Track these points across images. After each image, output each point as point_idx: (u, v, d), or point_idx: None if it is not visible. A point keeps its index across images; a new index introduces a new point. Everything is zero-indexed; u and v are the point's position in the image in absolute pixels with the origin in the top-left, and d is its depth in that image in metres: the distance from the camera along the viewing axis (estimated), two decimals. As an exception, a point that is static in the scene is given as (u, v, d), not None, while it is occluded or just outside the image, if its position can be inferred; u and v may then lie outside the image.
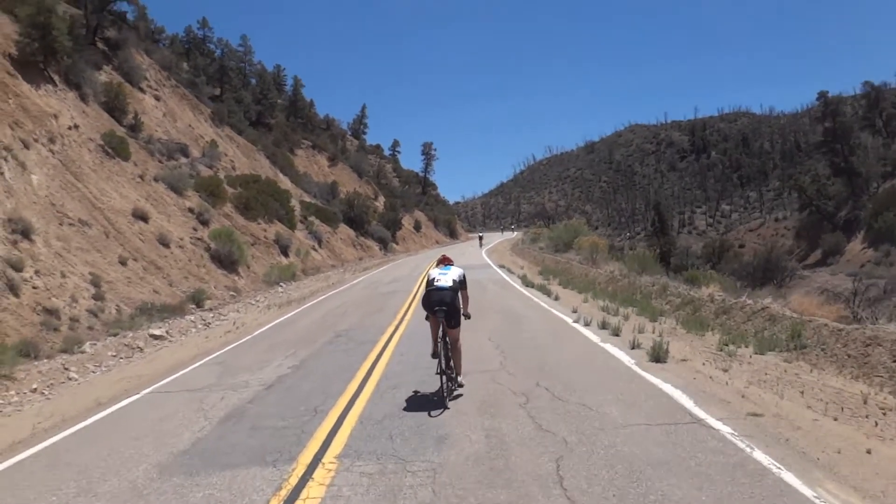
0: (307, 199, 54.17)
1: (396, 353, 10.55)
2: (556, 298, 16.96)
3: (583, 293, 18.21)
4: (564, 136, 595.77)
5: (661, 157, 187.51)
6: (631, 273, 20.18)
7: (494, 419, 6.43)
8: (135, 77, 38.71)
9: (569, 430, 5.93)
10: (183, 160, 35.96)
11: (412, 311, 16.09)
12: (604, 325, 11.69)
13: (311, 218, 46.07)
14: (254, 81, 76.19)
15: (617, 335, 10.93)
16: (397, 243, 64.13)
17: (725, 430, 5.71)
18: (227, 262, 25.81)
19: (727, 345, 9.87)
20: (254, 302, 21.94)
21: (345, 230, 52.57)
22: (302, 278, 31.94)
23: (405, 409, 7.07)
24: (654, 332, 11.15)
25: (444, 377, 7.26)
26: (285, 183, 53.91)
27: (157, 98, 41.95)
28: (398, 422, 6.56)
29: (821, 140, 69.32)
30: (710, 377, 7.89)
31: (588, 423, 6.08)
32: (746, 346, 9.91)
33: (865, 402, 6.70)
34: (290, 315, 17.45)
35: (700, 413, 6.25)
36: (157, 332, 14.82)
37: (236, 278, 25.79)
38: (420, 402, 7.30)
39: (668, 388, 7.32)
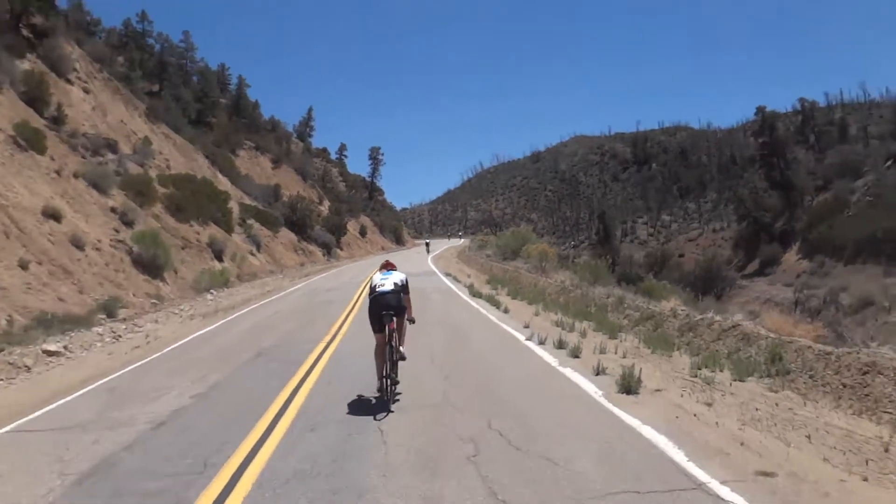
0: (248, 201, 51.78)
1: (323, 378, 8.92)
2: (506, 311, 15.54)
3: (533, 304, 16.87)
4: (511, 144, 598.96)
5: (605, 167, 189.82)
6: (583, 283, 18.99)
7: (435, 480, 4.88)
8: (62, 67, 35.94)
9: (534, 500, 4.44)
10: (110, 157, 33.41)
11: (349, 323, 14.49)
12: (560, 345, 10.30)
13: (251, 221, 43.80)
14: (196, 79, 73.13)
15: (577, 356, 9.53)
16: (342, 249, 62.12)
17: (738, 501, 4.31)
18: (150, 266, 23.60)
19: (700, 368, 8.59)
20: (177, 311, 19.87)
21: (286, 234, 50.37)
22: (236, 285, 29.86)
23: (324, 459, 5.47)
24: (616, 352, 9.84)
25: (387, 381, 7.30)
26: (224, 184, 51.43)
27: (87, 91, 39.12)
28: (309, 484, 4.95)
29: (759, 153, 70.33)
30: (695, 415, 6.52)
31: (557, 490, 4.60)
32: (722, 371, 8.63)
33: (887, 451, 5.43)
34: (213, 327, 15.56)
35: (697, 472, 4.83)
36: (52, 347, 12.74)
37: (161, 285, 23.61)
38: (341, 449, 5.72)
39: (649, 431, 5.91)
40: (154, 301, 21.41)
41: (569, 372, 8.64)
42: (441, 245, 79.20)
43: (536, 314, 14.91)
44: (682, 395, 7.38)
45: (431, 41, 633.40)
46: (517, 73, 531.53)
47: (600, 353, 9.58)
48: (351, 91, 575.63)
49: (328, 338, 12.45)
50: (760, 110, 67.20)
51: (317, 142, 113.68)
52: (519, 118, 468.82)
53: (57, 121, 30.21)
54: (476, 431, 6.08)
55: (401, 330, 7.65)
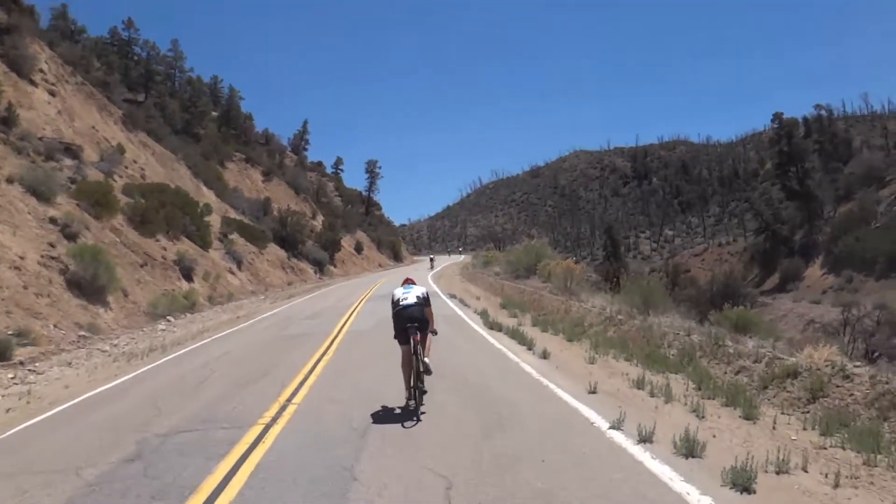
0: (234, 215, 47.08)
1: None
2: (545, 356, 10.65)
3: (576, 342, 12.12)
4: (510, 159, 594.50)
5: (605, 182, 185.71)
6: (632, 310, 14.21)
7: None
8: (24, 67, 31.86)
9: None
10: (68, 162, 28.85)
11: (319, 370, 9.77)
12: (690, 448, 5.40)
13: (233, 236, 39.07)
14: (183, 89, 68.77)
15: (747, 489, 4.65)
16: (335, 266, 57.34)
17: None
18: (89, 288, 18.81)
19: None
20: (107, 348, 15.08)
21: (274, 251, 45.62)
22: (205, 308, 25.10)
23: None
24: (806, 465, 5.05)
25: (415, 391, 7.26)
26: (208, 197, 46.83)
27: (53, 93, 34.67)
28: None
29: (775, 162, 65.73)
30: None
31: None
32: None
33: None
34: (123, 380, 10.72)
35: None
36: None
37: (101, 311, 18.79)
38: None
39: None
40: (84, 333, 16.59)
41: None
42: (441, 261, 74.31)
43: (591, 361, 10.08)
44: None
45: (430, 56, 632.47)
46: (515, 88, 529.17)
47: (775, 469, 4.81)
48: (348, 105, 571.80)
49: (280, 402, 7.72)
50: (777, 117, 62.72)
51: (312, 156, 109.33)
52: (517, 133, 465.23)
53: (6, 121, 26.02)
54: None
55: (425, 342, 7.50)
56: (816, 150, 64.87)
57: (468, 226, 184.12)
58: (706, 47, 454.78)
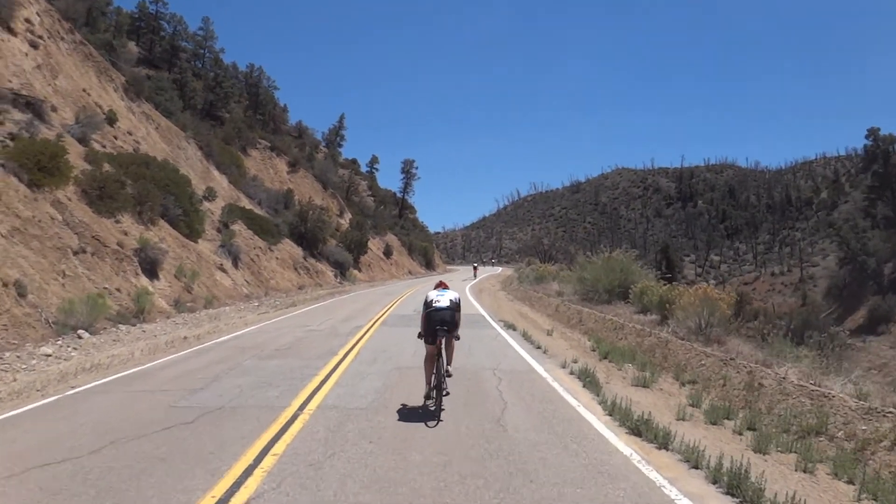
0: (247, 204, 40.02)
1: None
2: None
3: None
4: (550, 174, 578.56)
5: (648, 202, 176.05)
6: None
7: None
8: (2, 10, 25.89)
9: None
10: (17, 116, 22.06)
11: None
12: None
13: (236, 226, 31.82)
14: (212, 69, 62.34)
15: None
16: (360, 270, 49.87)
17: None
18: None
19: None
20: None
21: (288, 248, 38.33)
22: (162, 317, 17.70)
23: None
24: None
25: (437, 392, 7.11)
26: (219, 182, 39.89)
27: (35, 46, 28.19)
28: None
29: (867, 185, 56.53)
30: None
31: None
32: None
33: None
34: None
35: None
36: None
37: (-51, 319, 11.48)
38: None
39: None
40: None
41: None
42: (472, 272, 65.99)
43: None
44: None
45: (475, 63, 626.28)
46: (559, 101, 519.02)
47: None
48: (388, 106, 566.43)
49: None
50: (873, 133, 53.52)
51: (347, 153, 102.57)
52: (558, 147, 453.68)
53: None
54: None
55: (450, 348, 7.53)
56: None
57: (504, 238, 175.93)
58: (757, 70, 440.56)
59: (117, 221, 20.99)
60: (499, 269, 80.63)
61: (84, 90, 30.53)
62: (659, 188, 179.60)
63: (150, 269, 20.32)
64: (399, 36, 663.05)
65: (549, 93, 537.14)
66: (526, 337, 13.67)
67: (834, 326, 51.97)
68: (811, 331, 45.63)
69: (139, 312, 17.00)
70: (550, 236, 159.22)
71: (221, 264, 26.71)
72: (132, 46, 56.54)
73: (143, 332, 15.15)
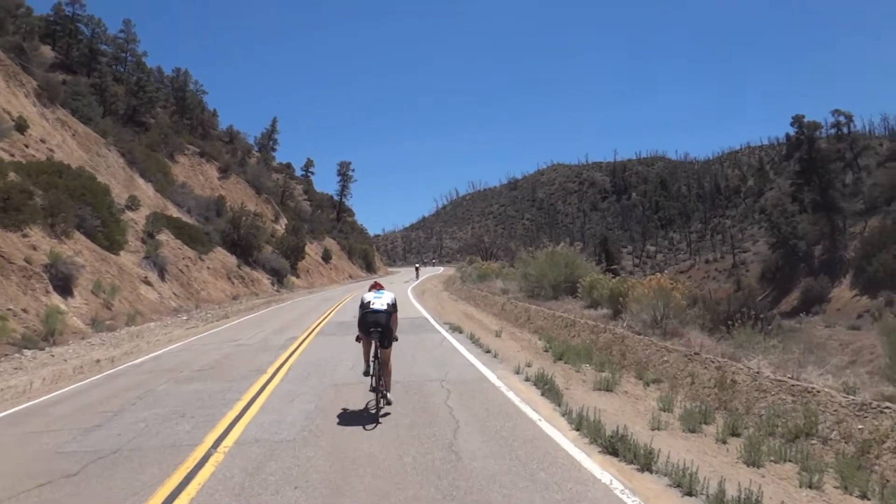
0: (176, 213, 37.92)
1: None
2: None
3: None
4: (487, 171, 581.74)
5: (584, 196, 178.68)
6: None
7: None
8: None
9: None
10: None
11: None
12: None
13: (162, 236, 29.91)
14: (135, 74, 59.28)
15: None
16: (298, 276, 48.20)
17: None
18: None
19: None
20: None
21: (220, 257, 36.47)
22: (69, 341, 16.01)
23: None
24: None
25: (377, 394, 7.20)
26: (144, 190, 37.67)
27: (-73, 48, 25.61)
28: None
29: (795, 170, 58.18)
30: None
31: None
32: None
33: None
34: None
35: None
36: None
37: None
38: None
39: None
40: None
41: None
42: (414, 273, 64.83)
43: None
44: None
45: (407, 62, 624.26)
46: (493, 99, 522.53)
47: None
48: (322, 109, 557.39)
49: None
50: (798, 119, 55.01)
51: (282, 157, 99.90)
52: (495, 146, 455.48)
53: None
54: None
55: (386, 371, 7.41)
56: (837, 159, 57.31)
57: (444, 237, 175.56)
58: (684, 64, 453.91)
59: (24, 235, 19.13)
60: (441, 269, 79.91)
61: (-10, 95, 28.34)
62: (594, 182, 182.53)
63: (63, 285, 18.55)
64: (329, 37, 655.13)
65: (483, 90, 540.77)
66: (473, 340, 12.78)
67: (770, 309, 53.38)
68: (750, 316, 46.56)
69: (49, 334, 15.36)
70: (490, 234, 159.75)
71: (146, 277, 24.91)
72: (47, 50, 53.16)
73: (52, 356, 13.59)
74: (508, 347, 12.06)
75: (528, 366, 9.69)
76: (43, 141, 29.63)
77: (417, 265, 76.10)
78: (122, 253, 25.18)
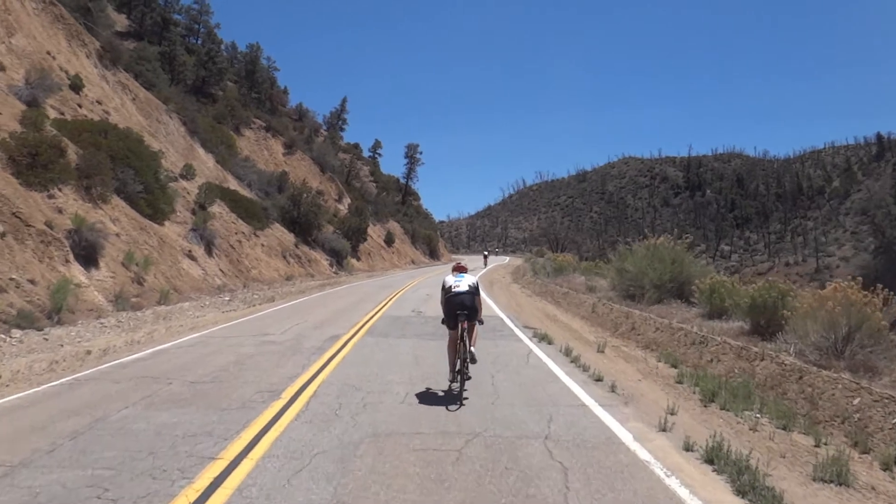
0: (235, 186, 35.79)
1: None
2: None
3: None
4: (556, 162, 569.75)
5: (655, 191, 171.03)
6: None
7: None
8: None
9: None
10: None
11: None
12: None
13: (215, 209, 27.56)
14: (206, 45, 57.86)
15: None
16: (359, 259, 45.59)
17: None
18: None
19: None
20: None
21: (278, 234, 34.05)
22: (79, 320, 13.38)
23: None
24: None
25: (461, 377, 6.87)
26: (204, 160, 35.69)
27: (-14, 0, 24.00)
28: None
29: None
30: None
31: None
32: None
33: None
34: None
35: None
36: None
37: None
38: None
39: None
40: None
41: None
42: (480, 261, 60.83)
43: None
44: None
45: (482, 52, 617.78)
46: (565, 91, 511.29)
47: None
48: (394, 93, 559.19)
49: None
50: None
51: (350, 138, 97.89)
52: (565, 137, 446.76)
53: None
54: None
55: (472, 332, 7.13)
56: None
57: (509, 227, 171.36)
58: (764, 60, 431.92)
59: (50, 196, 16.75)
60: (506, 259, 76.19)
61: (49, 53, 26.48)
62: (666, 177, 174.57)
63: (88, 255, 16.06)
64: (406, 23, 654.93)
65: (556, 83, 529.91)
66: (570, 357, 9.33)
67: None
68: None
69: (54, 311, 12.77)
70: (556, 226, 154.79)
71: (190, 251, 22.44)
72: (122, 19, 52.30)
73: (45, 339, 10.94)
74: (622, 372, 8.58)
75: (672, 413, 6.24)
76: (99, 102, 27.64)
77: (486, 252, 72.77)
78: (166, 223, 22.80)
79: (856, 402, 6.50)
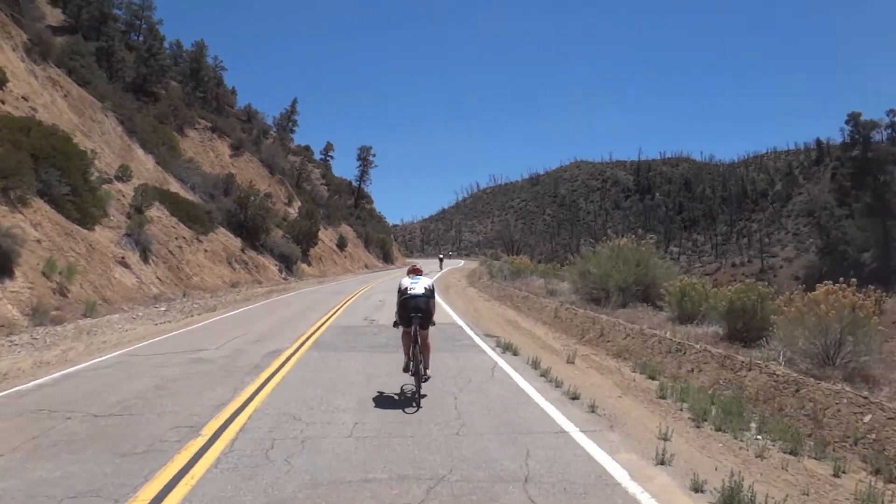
0: (175, 188, 33.92)
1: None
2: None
3: None
4: (509, 166, 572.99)
5: (606, 194, 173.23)
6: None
7: None
8: None
9: None
10: None
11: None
12: None
13: (152, 212, 25.84)
14: (147, 42, 55.34)
15: None
16: (310, 264, 44.06)
17: None
18: None
19: None
20: None
21: (223, 238, 32.38)
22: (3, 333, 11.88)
23: None
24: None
25: (417, 378, 6.94)
26: (143, 161, 33.71)
27: None
28: None
29: (848, 172, 52.93)
30: None
31: None
32: None
33: None
34: None
35: None
36: None
37: None
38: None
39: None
40: None
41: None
42: (435, 265, 59.87)
43: None
44: None
45: (434, 57, 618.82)
46: (516, 96, 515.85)
47: None
48: (345, 97, 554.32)
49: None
50: (854, 117, 49.75)
51: (300, 140, 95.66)
52: (518, 141, 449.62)
53: None
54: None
55: (426, 349, 7.18)
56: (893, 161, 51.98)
57: (463, 230, 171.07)
58: (710, 65, 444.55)
59: (-43, 199, 15.06)
60: (461, 262, 75.55)
61: (-33, 46, 24.42)
62: (617, 181, 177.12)
63: (1, 263, 14.42)
64: (359, 26, 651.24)
65: (507, 87, 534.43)
66: (540, 369, 8.38)
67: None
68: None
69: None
70: (510, 228, 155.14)
71: (124, 257, 20.77)
72: (57, 13, 49.62)
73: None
74: (598, 387, 7.68)
75: (666, 438, 5.35)
76: (25, 98, 25.61)
77: (441, 256, 72.60)
78: (97, 228, 21.07)
79: (866, 419, 5.72)
